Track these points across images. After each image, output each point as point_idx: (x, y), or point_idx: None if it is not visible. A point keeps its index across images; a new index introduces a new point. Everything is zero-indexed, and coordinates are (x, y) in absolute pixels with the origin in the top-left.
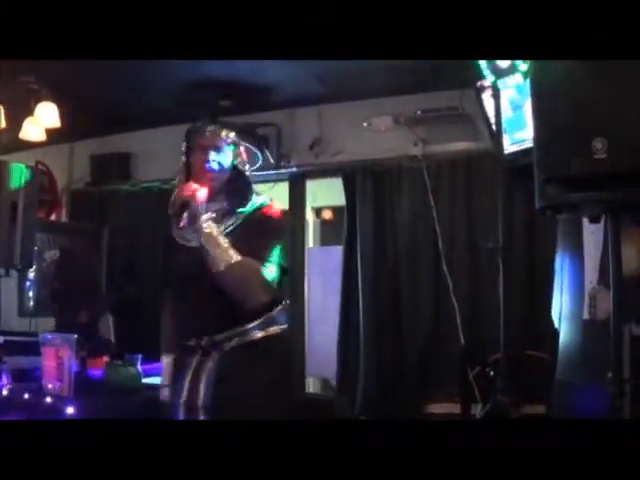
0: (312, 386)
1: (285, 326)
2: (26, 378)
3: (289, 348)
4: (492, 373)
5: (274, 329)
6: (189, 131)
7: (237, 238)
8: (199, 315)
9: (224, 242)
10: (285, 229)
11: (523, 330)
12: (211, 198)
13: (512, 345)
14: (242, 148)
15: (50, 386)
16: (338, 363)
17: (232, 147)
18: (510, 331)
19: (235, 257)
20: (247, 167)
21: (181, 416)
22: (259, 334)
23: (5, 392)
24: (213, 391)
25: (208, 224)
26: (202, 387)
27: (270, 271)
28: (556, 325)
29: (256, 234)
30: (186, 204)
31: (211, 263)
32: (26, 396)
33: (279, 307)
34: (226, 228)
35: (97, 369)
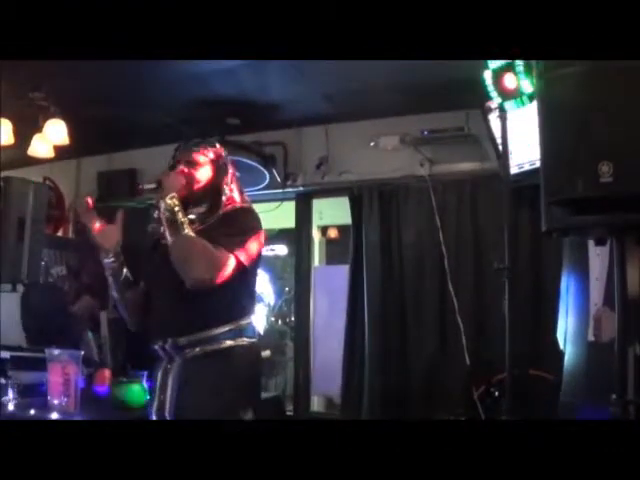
0: (316, 404)
1: (254, 340)
2: (31, 393)
3: (254, 362)
4: (497, 393)
5: (241, 341)
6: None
7: (205, 231)
8: (166, 317)
9: (181, 218)
10: (248, 223)
11: (528, 351)
12: (192, 204)
13: (517, 365)
14: (226, 161)
15: (56, 402)
16: (343, 381)
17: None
18: (515, 351)
19: (186, 232)
20: (229, 181)
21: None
22: (225, 343)
23: (11, 407)
24: (175, 399)
25: (172, 200)
26: (168, 394)
27: (222, 256)
28: (561, 346)
29: (218, 225)
30: (160, 182)
31: (166, 237)
32: (32, 412)
33: (248, 319)
34: (204, 225)
35: (102, 385)
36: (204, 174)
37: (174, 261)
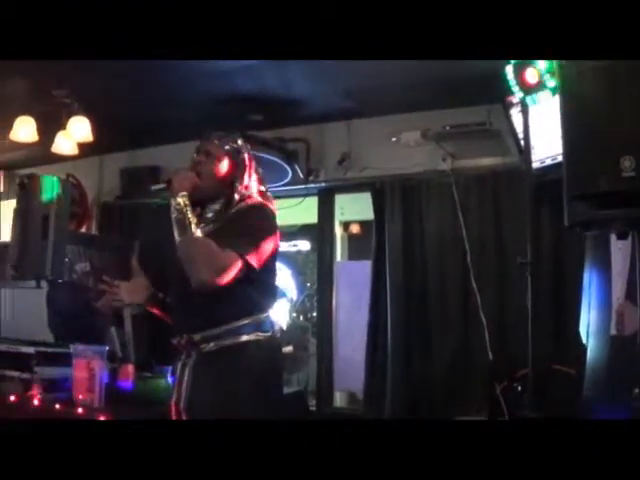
0: (339, 400)
1: (270, 334)
2: (56, 389)
3: (270, 356)
4: (519, 388)
5: (257, 335)
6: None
7: (217, 231)
8: (182, 313)
9: (190, 218)
10: (258, 221)
11: (551, 345)
12: (208, 198)
13: (540, 360)
14: (244, 156)
15: (81, 397)
16: (366, 377)
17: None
18: (538, 346)
19: (193, 233)
20: (248, 176)
21: (173, 418)
22: (240, 338)
23: (36, 402)
24: (189, 393)
25: (182, 199)
26: (183, 389)
27: (228, 259)
28: (584, 340)
29: (229, 224)
30: (170, 181)
31: (175, 236)
32: (57, 407)
33: (264, 314)
34: (215, 224)
35: (126, 381)
36: (220, 167)
37: (182, 263)
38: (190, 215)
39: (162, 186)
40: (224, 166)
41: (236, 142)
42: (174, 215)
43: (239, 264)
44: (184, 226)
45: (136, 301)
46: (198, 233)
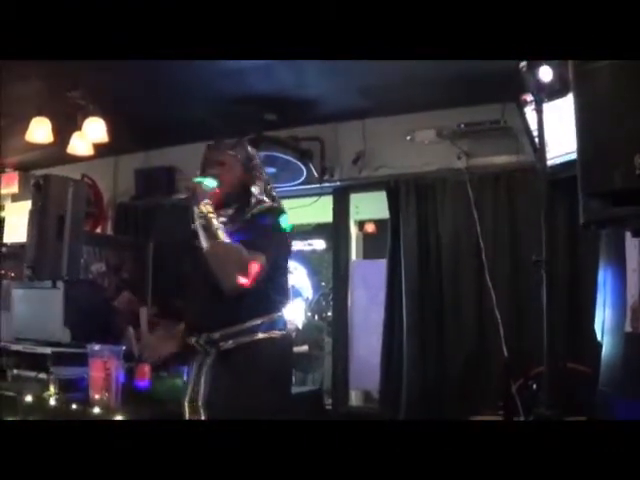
0: (355, 399)
1: (284, 332)
2: (73, 389)
3: (286, 353)
4: (534, 386)
5: (273, 333)
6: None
7: (234, 234)
8: (199, 313)
9: (215, 224)
10: (273, 224)
11: (566, 343)
12: (222, 205)
13: (555, 358)
14: (256, 162)
15: (97, 397)
16: (381, 375)
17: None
18: (553, 344)
19: (221, 239)
20: (261, 182)
21: (186, 416)
22: (257, 336)
23: (52, 402)
24: (208, 391)
25: (205, 206)
26: (201, 386)
27: (255, 260)
28: (599, 338)
29: (246, 228)
30: (193, 187)
31: (201, 242)
32: (73, 406)
33: (279, 312)
34: (234, 227)
35: (143, 380)
36: (233, 175)
37: (211, 268)
38: (215, 222)
39: (184, 196)
40: (240, 174)
41: (246, 148)
42: (199, 222)
43: (259, 265)
44: (212, 232)
45: (172, 351)
46: (226, 239)
